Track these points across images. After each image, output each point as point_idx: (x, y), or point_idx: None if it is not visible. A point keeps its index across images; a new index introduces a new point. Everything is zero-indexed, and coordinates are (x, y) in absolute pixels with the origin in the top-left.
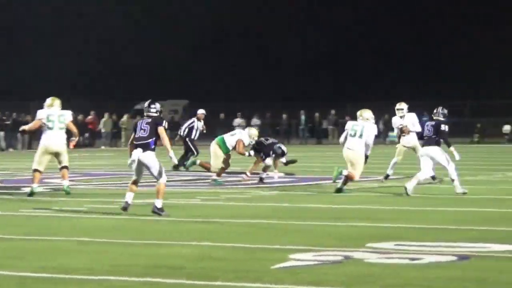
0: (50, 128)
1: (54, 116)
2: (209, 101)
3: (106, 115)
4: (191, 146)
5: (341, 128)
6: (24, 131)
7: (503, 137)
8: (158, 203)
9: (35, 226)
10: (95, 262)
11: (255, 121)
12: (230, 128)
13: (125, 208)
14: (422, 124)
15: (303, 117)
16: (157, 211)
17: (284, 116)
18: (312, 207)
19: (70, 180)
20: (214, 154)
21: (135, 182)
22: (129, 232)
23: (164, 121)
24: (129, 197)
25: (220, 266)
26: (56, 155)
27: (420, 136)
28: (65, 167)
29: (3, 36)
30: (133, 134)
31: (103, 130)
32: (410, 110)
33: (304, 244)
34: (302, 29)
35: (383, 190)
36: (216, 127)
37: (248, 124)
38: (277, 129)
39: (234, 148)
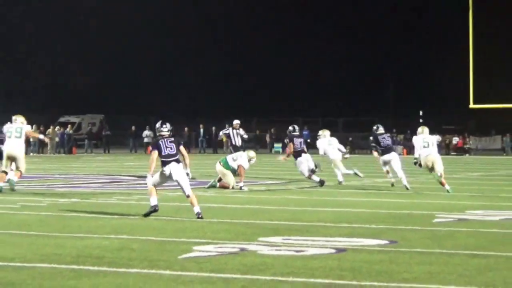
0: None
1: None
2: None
3: (34, 127)
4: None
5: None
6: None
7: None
8: (198, 208)
9: None
10: (28, 252)
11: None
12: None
13: (156, 210)
14: None
15: (201, 130)
16: (200, 216)
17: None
18: (211, 206)
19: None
20: (221, 173)
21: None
22: (56, 226)
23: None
24: (154, 200)
25: (135, 256)
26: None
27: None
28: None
29: None
30: (155, 153)
31: (31, 140)
32: None
33: (205, 238)
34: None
35: (270, 193)
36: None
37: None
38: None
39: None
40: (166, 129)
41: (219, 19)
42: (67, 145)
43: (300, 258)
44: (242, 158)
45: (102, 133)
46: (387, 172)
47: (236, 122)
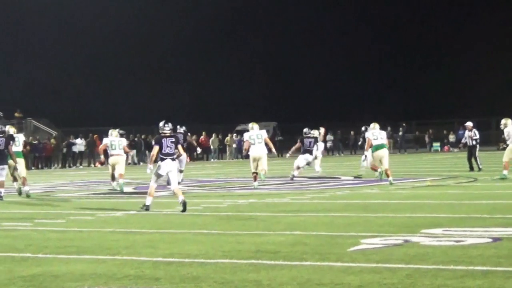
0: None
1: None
2: (297, 121)
3: (214, 135)
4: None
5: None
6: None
7: None
8: (182, 198)
9: (163, 222)
10: (210, 248)
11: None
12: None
13: (147, 209)
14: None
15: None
16: (184, 206)
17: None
18: (376, 202)
19: (187, 186)
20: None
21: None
22: (235, 224)
23: (181, 140)
24: (149, 201)
25: (308, 250)
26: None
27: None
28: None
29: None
30: (157, 148)
31: (212, 147)
32: None
33: (372, 232)
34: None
35: (430, 188)
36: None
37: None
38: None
39: None
40: (168, 128)
41: None
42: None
43: (459, 247)
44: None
45: (275, 139)
46: None
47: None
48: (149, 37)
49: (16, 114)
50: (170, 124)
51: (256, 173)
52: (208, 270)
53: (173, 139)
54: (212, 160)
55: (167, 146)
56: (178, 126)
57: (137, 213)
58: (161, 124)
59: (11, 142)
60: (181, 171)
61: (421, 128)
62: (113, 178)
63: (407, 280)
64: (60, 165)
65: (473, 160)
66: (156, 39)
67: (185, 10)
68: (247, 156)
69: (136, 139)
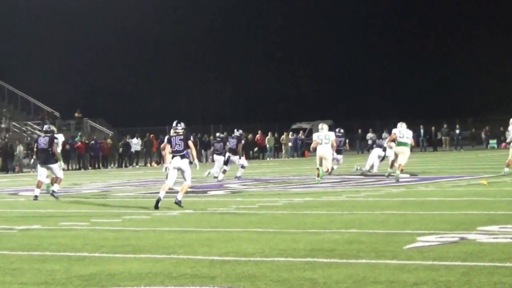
0: None
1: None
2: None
3: (270, 134)
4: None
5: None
6: None
7: None
8: (180, 196)
9: (219, 221)
10: (266, 247)
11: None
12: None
13: (158, 203)
14: None
15: (421, 130)
16: (178, 203)
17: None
18: (432, 200)
19: (243, 185)
20: None
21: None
22: (291, 223)
23: (191, 136)
24: (162, 194)
25: (364, 248)
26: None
27: None
28: None
29: None
30: (168, 147)
31: (268, 146)
32: None
33: (428, 229)
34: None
35: (487, 185)
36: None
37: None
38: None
39: None
40: (180, 127)
41: None
42: (300, 149)
43: None
44: None
45: None
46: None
47: None
48: (205, 37)
49: (76, 114)
50: (182, 124)
51: (318, 169)
52: (264, 268)
53: (182, 137)
54: (268, 158)
55: (176, 144)
56: (235, 130)
57: (194, 212)
58: (174, 124)
59: (55, 141)
60: (242, 167)
61: (478, 125)
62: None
63: (463, 278)
64: (116, 165)
65: None
66: (212, 39)
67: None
68: (303, 154)
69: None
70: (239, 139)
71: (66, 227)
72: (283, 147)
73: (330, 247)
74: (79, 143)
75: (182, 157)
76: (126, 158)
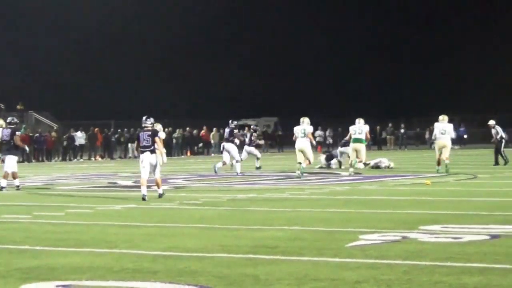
0: None
1: None
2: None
3: (214, 129)
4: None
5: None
6: None
7: None
8: (160, 190)
9: (162, 216)
10: (209, 243)
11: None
12: None
13: (144, 199)
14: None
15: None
16: (161, 195)
17: None
18: (375, 198)
19: (187, 180)
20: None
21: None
22: (234, 219)
23: (159, 132)
24: (144, 190)
25: (306, 245)
26: None
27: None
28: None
29: None
30: (136, 143)
31: (213, 141)
32: None
33: (370, 228)
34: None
35: (425, 186)
36: None
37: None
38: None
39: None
40: (149, 122)
41: None
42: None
43: (457, 244)
44: None
45: (275, 134)
46: None
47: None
48: (150, 32)
49: (18, 107)
50: (151, 119)
51: (300, 163)
52: (206, 264)
53: (150, 133)
54: (212, 154)
55: (144, 139)
56: (230, 121)
57: (137, 206)
58: (143, 119)
59: (17, 133)
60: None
61: (423, 124)
62: None
63: (404, 276)
64: (60, 158)
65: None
66: (157, 34)
67: (183, 4)
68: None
69: (137, 132)
70: (231, 131)
71: (7, 220)
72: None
73: (273, 244)
74: (23, 136)
75: (152, 152)
76: (70, 152)
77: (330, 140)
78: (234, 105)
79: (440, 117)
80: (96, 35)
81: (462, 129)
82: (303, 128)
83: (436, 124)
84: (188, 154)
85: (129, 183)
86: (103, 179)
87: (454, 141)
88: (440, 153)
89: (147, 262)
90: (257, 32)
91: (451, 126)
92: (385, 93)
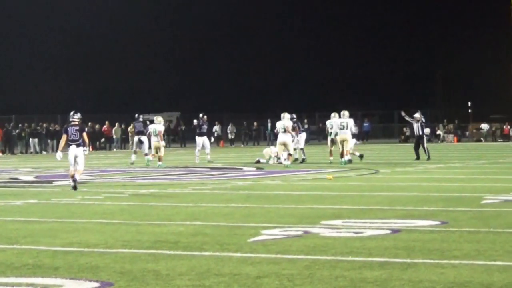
0: None
1: None
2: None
3: (117, 125)
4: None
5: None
6: None
7: None
8: (77, 177)
9: (63, 211)
10: (110, 238)
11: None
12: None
13: (75, 187)
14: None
15: (269, 124)
16: (75, 184)
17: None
18: (277, 193)
19: (89, 175)
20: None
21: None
22: (136, 214)
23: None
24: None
25: (208, 240)
26: None
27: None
28: None
29: None
30: (65, 136)
31: (115, 136)
32: None
33: (272, 222)
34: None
35: (333, 180)
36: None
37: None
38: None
39: None
40: (77, 117)
41: None
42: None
43: (358, 239)
44: None
45: (178, 129)
46: None
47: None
48: (58, 29)
49: None
50: (79, 114)
51: (291, 154)
52: (107, 259)
53: (78, 128)
54: (114, 149)
55: (72, 134)
56: (136, 115)
57: (38, 202)
58: (71, 113)
59: None
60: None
61: (325, 119)
62: None
63: (305, 271)
64: None
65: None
66: (65, 30)
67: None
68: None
69: (38, 127)
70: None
71: None
72: (130, 138)
73: (174, 239)
74: None
75: (78, 145)
76: None
77: (232, 136)
78: (137, 100)
79: (341, 113)
80: (4, 28)
81: (366, 124)
82: (282, 124)
83: (334, 120)
84: (90, 149)
85: (31, 178)
86: (4, 174)
87: (356, 136)
88: (343, 146)
89: (48, 258)
90: (160, 28)
91: (351, 121)
92: (286, 88)
